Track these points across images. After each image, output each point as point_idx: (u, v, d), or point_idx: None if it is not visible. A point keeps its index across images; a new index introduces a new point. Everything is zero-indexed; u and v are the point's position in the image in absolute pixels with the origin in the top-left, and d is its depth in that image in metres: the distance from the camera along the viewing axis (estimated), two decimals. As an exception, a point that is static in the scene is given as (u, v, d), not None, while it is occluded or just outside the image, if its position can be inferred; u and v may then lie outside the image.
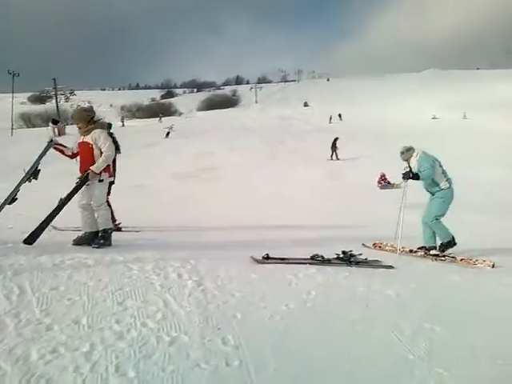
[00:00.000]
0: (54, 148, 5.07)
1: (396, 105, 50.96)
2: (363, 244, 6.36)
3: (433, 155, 6.07)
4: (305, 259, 4.62)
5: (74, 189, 4.89)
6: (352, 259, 4.70)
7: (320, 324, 2.99)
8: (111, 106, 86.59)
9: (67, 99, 73.87)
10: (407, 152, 6.12)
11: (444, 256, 5.70)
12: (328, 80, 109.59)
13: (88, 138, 4.99)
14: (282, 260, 4.50)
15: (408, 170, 6.03)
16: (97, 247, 4.83)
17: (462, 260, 5.54)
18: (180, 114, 70.12)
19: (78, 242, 4.95)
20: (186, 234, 6.73)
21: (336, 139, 26.56)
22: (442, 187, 5.91)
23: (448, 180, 5.94)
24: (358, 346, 2.69)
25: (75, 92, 78.55)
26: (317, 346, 2.66)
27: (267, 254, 4.54)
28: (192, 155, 27.61)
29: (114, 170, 6.57)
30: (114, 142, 6.60)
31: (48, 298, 3.10)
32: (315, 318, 3.09)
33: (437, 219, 5.91)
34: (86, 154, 4.99)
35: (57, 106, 47.78)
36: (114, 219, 6.48)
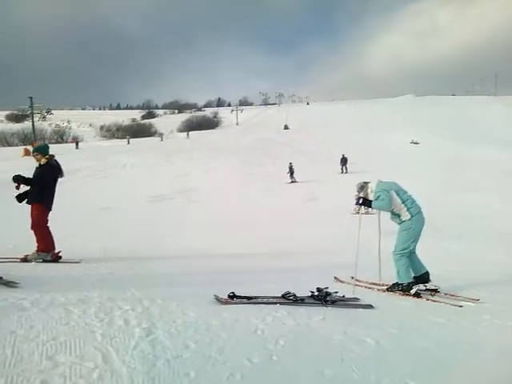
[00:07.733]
0: None
1: (374, 129, 51.59)
2: (335, 277, 5.90)
3: (390, 183, 5.58)
4: (275, 298, 4.14)
5: None
6: (328, 298, 4.22)
7: (286, 384, 2.51)
8: (90, 125, 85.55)
9: (44, 118, 72.40)
10: (361, 190, 5.77)
11: (427, 289, 5.21)
12: (308, 104, 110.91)
13: None
14: (249, 299, 4.00)
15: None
16: None
17: (445, 294, 5.09)
18: (160, 134, 69.37)
19: None
20: (146, 266, 6.16)
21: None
22: (403, 219, 5.40)
23: (410, 210, 5.36)
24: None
25: (52, 111, 77.13)
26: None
27: (233, 293, 4.04)
28: (169, 177, 27.11)
29: (52, 195, 5.98)
30: (57, 164, 6.02)
31: (-37, 352, 2.54)
32: (281, 377, 2.61)
33: (401, 254, 5.38)
34: None
35: (32, 125, 46.73)
36: (51, 247, 5.88)
